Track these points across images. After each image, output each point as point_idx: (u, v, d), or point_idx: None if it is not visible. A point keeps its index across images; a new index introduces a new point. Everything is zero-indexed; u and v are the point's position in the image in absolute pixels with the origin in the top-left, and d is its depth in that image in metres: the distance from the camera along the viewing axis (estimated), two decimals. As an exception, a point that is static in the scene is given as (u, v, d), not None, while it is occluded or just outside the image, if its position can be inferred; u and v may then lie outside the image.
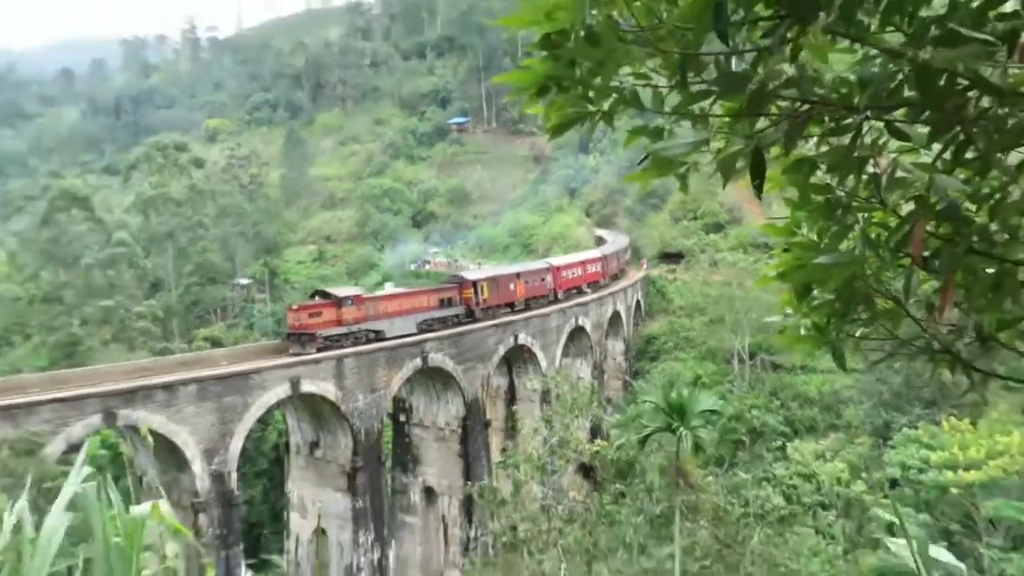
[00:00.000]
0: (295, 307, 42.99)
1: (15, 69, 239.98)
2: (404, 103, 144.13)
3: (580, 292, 61.23)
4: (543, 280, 56.77)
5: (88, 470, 2.01)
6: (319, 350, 39.71)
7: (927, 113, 2.61)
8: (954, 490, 34.75)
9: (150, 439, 33.21)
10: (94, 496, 2.00)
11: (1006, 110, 2.60)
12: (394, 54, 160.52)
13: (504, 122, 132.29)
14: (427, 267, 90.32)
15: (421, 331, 45.44)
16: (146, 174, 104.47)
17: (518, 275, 55.12)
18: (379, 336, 43.16)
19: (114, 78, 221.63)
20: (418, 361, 44.70)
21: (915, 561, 2.32)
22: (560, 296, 58.05)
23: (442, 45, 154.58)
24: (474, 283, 50.60)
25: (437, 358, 45.67)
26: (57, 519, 1.81)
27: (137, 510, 2.07)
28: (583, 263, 63.40)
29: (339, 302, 42.01)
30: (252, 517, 56.97)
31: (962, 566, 2.60)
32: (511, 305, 53.06)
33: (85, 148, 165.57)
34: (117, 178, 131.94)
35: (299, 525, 46.88)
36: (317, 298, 44.03)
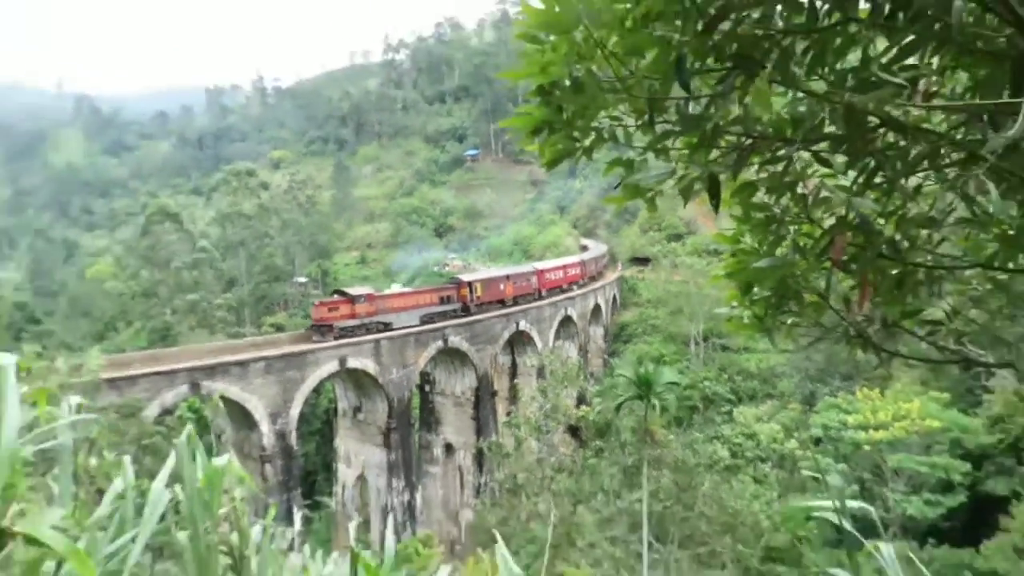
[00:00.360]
0: (318, 304, 42.51)
1: (121, 112, 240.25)
2: (428, 138, 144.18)
3: (562, 291, 59.43)
4: (529, 281, 55.14)
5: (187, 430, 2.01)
6: (336, 338, 39.05)
7: (845, 145, 2.61)
8: (866, 446, 34.77)
9: (221, 405, 33.49)
10: (185, 450, 2.00)
11: (907, 143, 2.60)
12: (420, 100, 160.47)
13: (508, 153, 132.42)
14: (447, 269, 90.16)
15: (423, 323, 44.56)
16: (224, 194, 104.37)
17: (507, 277, 53.56)
18: (387, 327, 42.23)
19: (199, 119, 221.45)
20: (440, 343, 44.76)
21: (835, 505, 2.32)
22: (544, 294, 56.46)
23: (459, 92, 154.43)
24: (469, 283, 49.35)
25: (455, 341, 45.72)
26: (162, 481, 1.82)
27: (216, 462, 2.08)
28: (564, 267, 61.93)
29: (353, 300, 41.23)
30: (307, 467, 57.05)
31: (871, 508, 2.59)
32: (502, 302, 51.39)
33: (175, 174, 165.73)
34: (201, 198, 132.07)
35: (345, 473, 47.01)
36: (336, 296, 43.24)
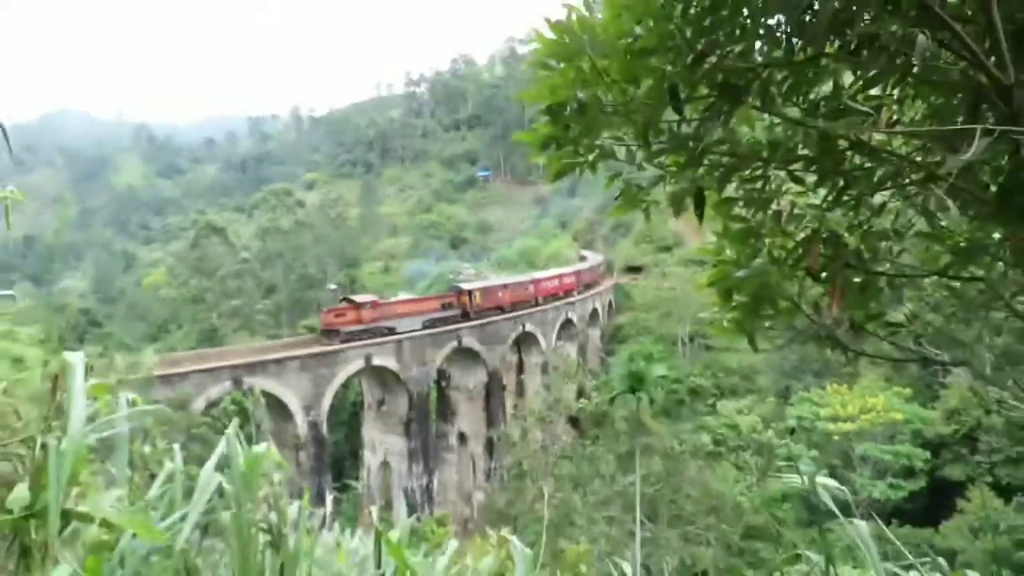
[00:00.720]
0: (325, 310, 41.35)
1: (174, 138, 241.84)
2: (445, 161, 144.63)
3: (557, 299, 57.49)
4: (527, 289, 53.30)
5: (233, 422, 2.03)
6: (342, 342, 37.86)
7: (816, 165, 2.62)
8: (835, 436, 34.59)
9: (262, 399, 33.53)
10: (231, 438, 2.01)
11: (872, 164, 2.61)
12: (438, 127, 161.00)
13: (516, 175, 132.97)
14: (460, 277, 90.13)
15: (425, 327, 43.35)
16: (264, 212, 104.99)
17: (505, 285, 51.84)
18: (392, 331, 40.96)
19: (242, 144, 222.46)
20: (455, 343, 44.76)
21: (806, 484, 2.31)
22: (540, 301, 54.52)
23: (472, 121, 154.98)
24: (469, 292, 47.62)
25: (468, 341, 45.72)
26: (211, 466, 1.83)
27: (257, 448, 2.09)
28: (559, 276, 60.02)
29: (359, 306, 40.03)
30: (337, 454, 56.91)
31: (844, 488, 2.58)
32: (500, 308, 49.71)
33: (221, 194, 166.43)
34: (244, 215, 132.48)
35: (370, 459, 47.01)
36: (343, 303, 42.03)
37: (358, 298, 42.40)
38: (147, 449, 2.18)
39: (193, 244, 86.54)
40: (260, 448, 2.07)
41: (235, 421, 1.98)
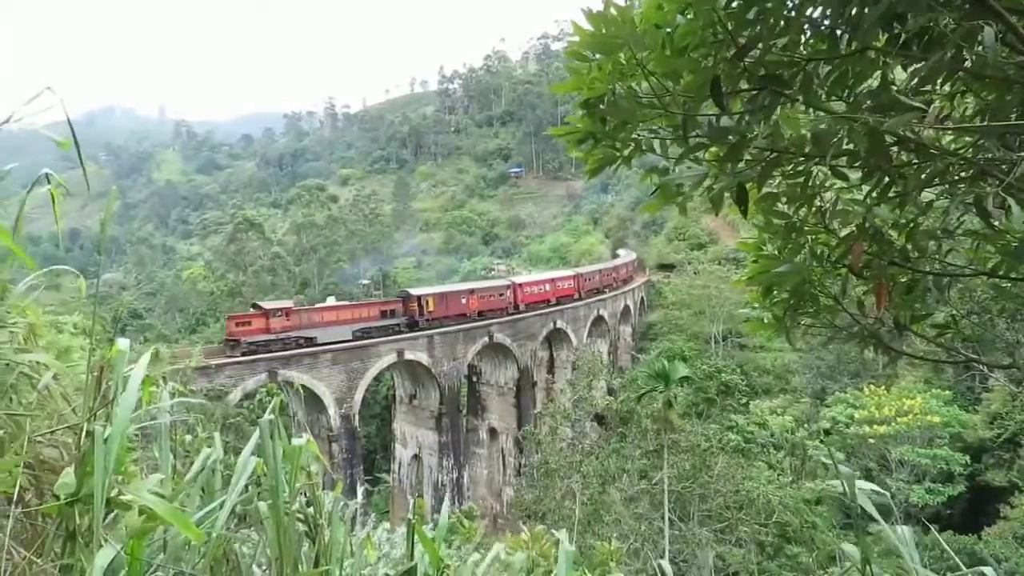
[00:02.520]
0: (229, 317, 37.55)
1: (213, 135, 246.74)
2: (477, 158, 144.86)
3: (549, 304, 51.84)
4: (501, 295, 47.83)
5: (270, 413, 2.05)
6: (243, 354, 33.50)
7: (860, 161, 2.56)
8: (871, 439, 33.90)
9: (301, 391, 33.95)
10: (268, 429, 2.03)
11: (920, 161, 2.54)
12: (471, 124, 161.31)
13: (548, 171, 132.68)
14: (492, 273, 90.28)
15: (357, 338, 38.18)
16: (299, 207, 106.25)
17: (471, 291, 46.16)
18: (310, 342, 36.26)
19: (279, 141, 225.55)
20: (486, 339, 44.82)
21: (846, 489, 2.26)
22: (522, 308, 49.07)
23: (505, 117, 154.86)
24: (419, 298, 42.28)
25: (499, 337, 45.76)
26: (248, 454, 1.85)
27: (296, 441, 2.11)
28: (553, 280, 54.18)
29: (267, 314, 35.54)
30: (368, 446, 57.62)
31: (886, 493, 2.50)
32: (464, 315, 44.07)
33: (258, 189, 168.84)
34: (279, 210, 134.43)
35: (401, 453, 47.42)
36: (252, 309, 37.76)
37: (268, 304, 37.89)
38: (188, 438, 2.23)
39: (230, 239, 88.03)
40: (300, 441, 2.09)
41: (275, 410, 2.00)
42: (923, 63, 2.24)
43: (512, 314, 48.01)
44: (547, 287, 53.13)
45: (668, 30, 2.35)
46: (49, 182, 1.88)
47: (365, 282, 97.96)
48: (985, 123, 2.43)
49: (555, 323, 51.34)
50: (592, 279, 59.48)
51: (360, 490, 4.87)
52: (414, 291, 44.48)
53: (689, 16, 2.29)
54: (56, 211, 1.96)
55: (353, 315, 39.93)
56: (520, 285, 50.66)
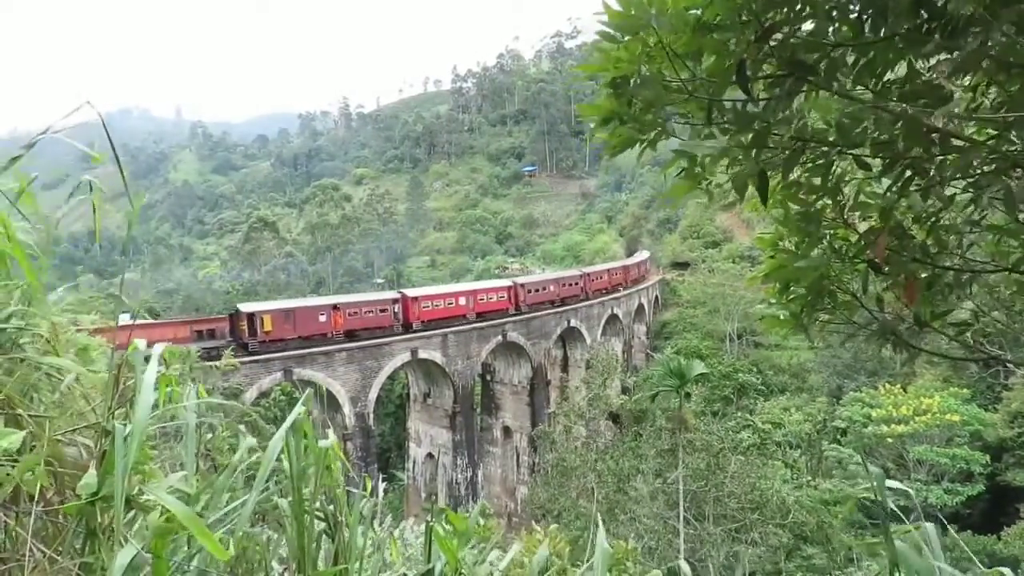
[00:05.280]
0: None
1: (229, 136, 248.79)
2: (491, 157, 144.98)
3: (467, 320, 43.48)
4: (384, 311, 39.94)
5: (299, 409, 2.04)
6: None
7: (883, 152, 2.53)
8: (889, 439, 33.58)
9: (324, 388, 34.04)
10: (290, 428, 2.04)
11: (946, 153, 2.50)
12: (484, 123, 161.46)
13: (561, 169, 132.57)
14: (505, 271, 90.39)
15: None
16: (313, 207, 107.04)
17: (335, 307, 38.19)
18: None
19: (293, 141, 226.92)
20: (500, 337, 44.81)
21: (875, 489, 2.23)
22: (418, 327, 40.73)
23: (518, 116, 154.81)
24: (250, 315, 34.88)
25: (513, 336, 45.75)
26: (276, 442, 1.85)
27: (323, 443, 2.11)
28: (472, 293, 45.46)
29: None
30: (383, 445, 57.89)
31: (910, 490, 2.48)
32: (324, 335, 36.84)
33: (273, 189, 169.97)
34: (294, 210, 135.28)
35: (415, 451, 47.59)
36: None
37: None
38: (208, 436, 2.24)
39: (246, 238, 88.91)
40: (326, 443, 2.09)
41: (299, 407, 2.00)
42: (955, 52, 2.20)
43: (401, 334, 39.97)
44: (464, 300, 44.53)
45: (695, 11, 2.34)
46: (92, 190, 1.90)
47: (379, 281, 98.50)
48: (1010, 115, 2.39)
49: (569, 321, 51.28)
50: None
51: (380, 487, 4.87)
52: (246, 307, 37.10)
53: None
54: (97, 221, 1.98)
55: (152, 336, 29.51)
56: (414, 299, 41.69)
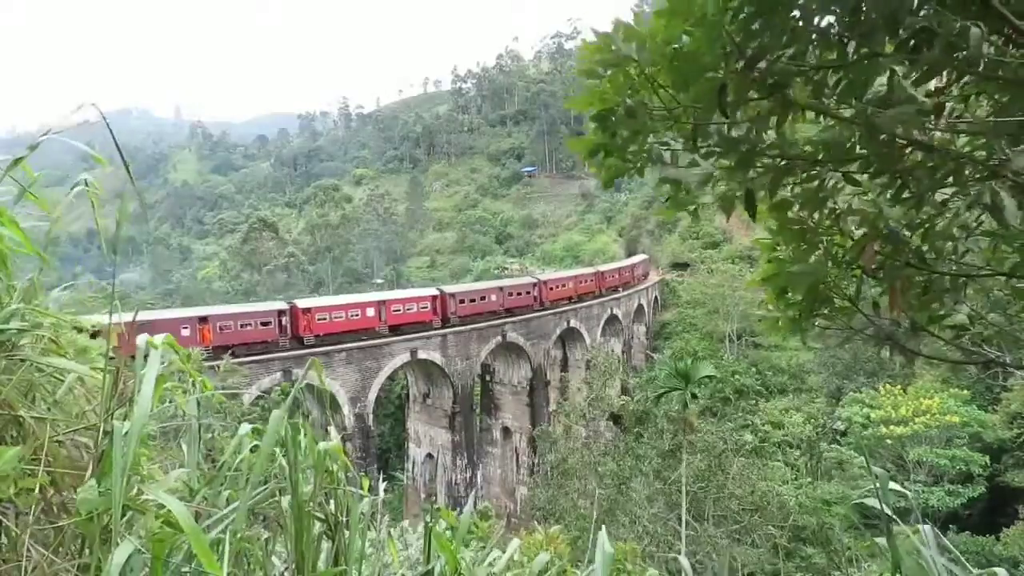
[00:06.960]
0: None
1: (228, 136, 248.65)
2: (491, 157, 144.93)
3: (377, 333, 38.65)
4: (266, 324, 34.84)
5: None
6: None
7: (873, 166, 2.55)
8: (888, 440, 33.61)
9: (329, 389, 33.98)
10: (290, 427, 2.05)
11: (933, 162, 2.53)
12: (484, 123, 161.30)
13: (561, 170, 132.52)
14: (505, 272, 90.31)
15: None
16: (313, 207, 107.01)
17: (203, 319, 32.77)
18: None
19: (293, 141, 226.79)
20: (499, 338, 44.80)
21: (878, 492, 2.24)
22: (308, 341, 35.89)
23: (518, 116, 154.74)
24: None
25: (513, 336, 45.74)
26: (268, 452, 1.86)
27: (323, 445, 2.12)
28: (383, 304, 39.95)
29: None
30: (382, 445, 57.85)
31: (908, 493, 2.50)
32: (247, 344, 33.50)
33: (273, 190, 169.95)
34: (294, 210, 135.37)
35: (415, 451, 47.60)
36: None
37: None
38: (208, 436, 2.25)
39: (245, 238, 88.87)
40: (327, 445, 2.10)
41: (304, 411, 2.02)
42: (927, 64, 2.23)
43: (288, 350, 35.12)
44: (412, 307, 41.19)
45: (676, 46, 2.37)
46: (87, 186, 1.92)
47: (379, 281, 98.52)
48: (993, 123, 2.41)
49: (569, 322, 51.28)
50: (468, 300, 44.74)
51: (381, 486, 4.88)
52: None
53: (698, 30, 2.30)
54: (98, 221, 1.99)
55: None
56: (307, 311, 36.55)
